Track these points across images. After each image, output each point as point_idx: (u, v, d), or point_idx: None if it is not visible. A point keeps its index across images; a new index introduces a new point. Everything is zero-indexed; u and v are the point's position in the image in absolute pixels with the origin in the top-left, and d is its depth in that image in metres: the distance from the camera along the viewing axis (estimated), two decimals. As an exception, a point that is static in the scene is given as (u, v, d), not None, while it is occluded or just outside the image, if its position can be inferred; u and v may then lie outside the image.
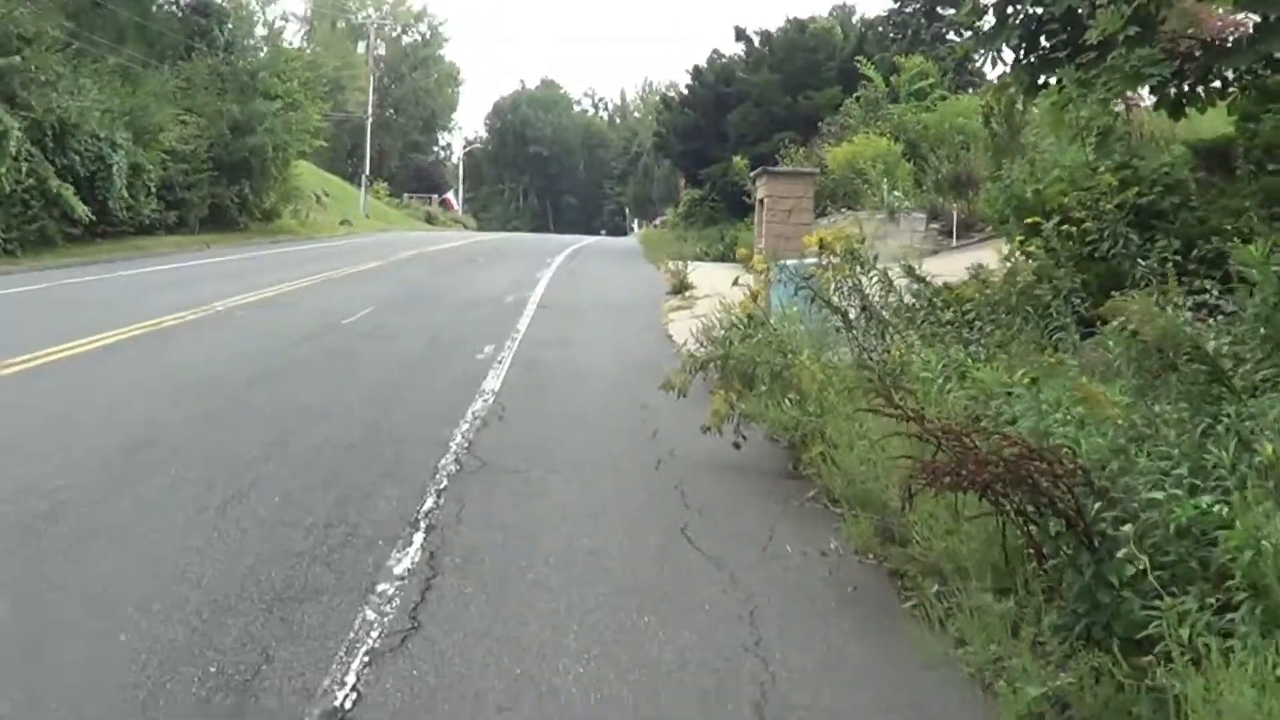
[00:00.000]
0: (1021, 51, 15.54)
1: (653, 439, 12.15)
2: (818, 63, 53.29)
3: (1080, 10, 13.37)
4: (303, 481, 10.05)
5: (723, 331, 14.55)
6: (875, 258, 11.61)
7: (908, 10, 66.99)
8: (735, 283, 14.80)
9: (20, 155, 35.87)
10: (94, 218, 40.29)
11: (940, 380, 8.89)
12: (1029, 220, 11.57)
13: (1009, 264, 12.19)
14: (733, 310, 15.11)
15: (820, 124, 44.32)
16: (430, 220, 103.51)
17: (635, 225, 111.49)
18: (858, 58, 47.66)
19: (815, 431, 9.98)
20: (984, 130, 34.76)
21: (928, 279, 11.96)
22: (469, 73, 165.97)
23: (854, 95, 44.56)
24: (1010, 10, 15.32)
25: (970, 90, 49.92)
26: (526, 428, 12.91)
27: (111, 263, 37.45)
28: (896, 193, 32.12)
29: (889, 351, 10.39)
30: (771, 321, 12.32)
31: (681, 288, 29.11)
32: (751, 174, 27.28)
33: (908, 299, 11.80)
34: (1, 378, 14.52)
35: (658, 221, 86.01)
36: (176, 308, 22.46)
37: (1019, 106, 33.82)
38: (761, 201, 21.36)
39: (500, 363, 17.49)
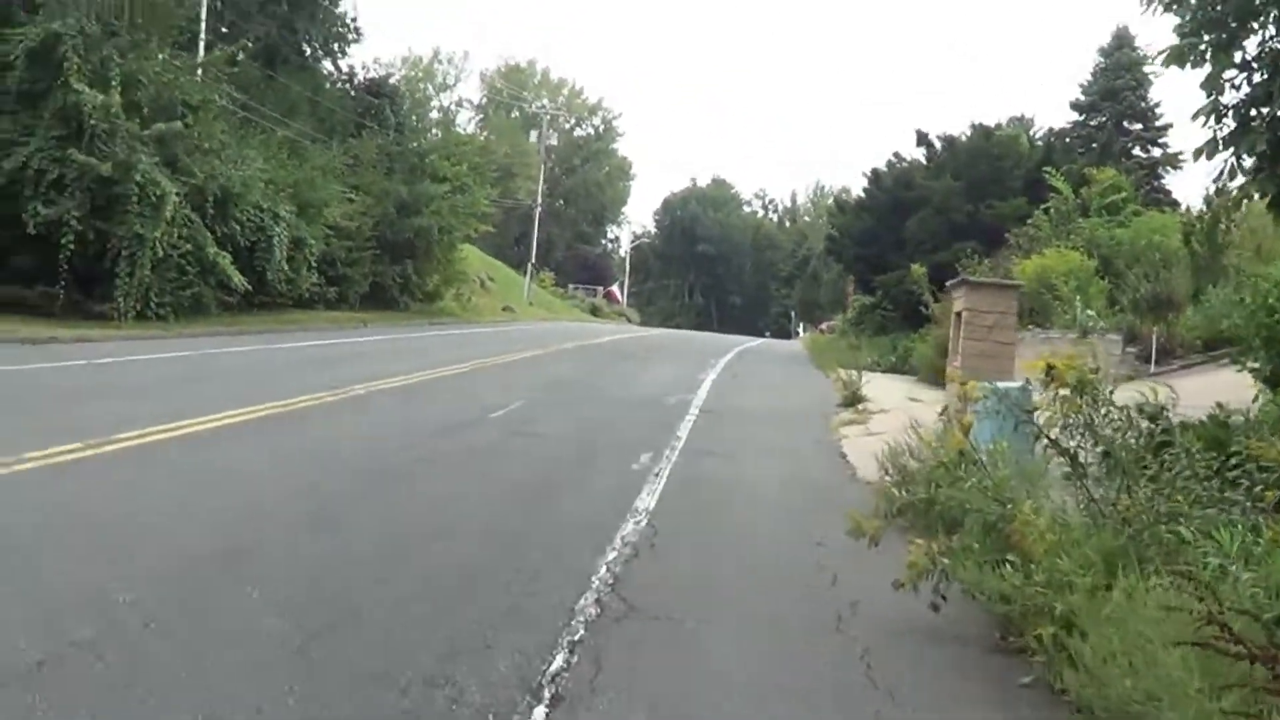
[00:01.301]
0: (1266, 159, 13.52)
1: (831, 587, 10.12)
2: (1002, 171, 51.05)
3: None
4: (410, 616, 8.34)
5: (916, 462, 12.56)
6: (1112, 393, 9.49)
7: (1092, 123, 65.05)
8: (943, 412, 12.73)
9: (177, 221, 35.25)
10: (250, 288, 39.77)
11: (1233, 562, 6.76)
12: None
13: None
14: (931, 438, 13.06)
15: (1007, 234, 42.05)
16: (594, 312, 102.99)
17: (801, 329, 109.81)
18: (1046, 168, 45.42)
19: (1044, 607, 7.87)
20: (1183, 249, 32.64)
21: (1173, 420, 9.86)
22: (640, 166, 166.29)
23: (1042, 206, 42.28)
24: (1257, 112, 13.33)
25: (1163, 207, 47.68)
26: (682, 561, 11.08)
27: (263, 334, 36.83)
28: (1090, 312, 29.85)
29: (1147, 512, 8.25)
30: (981, 457, 10.10)
31: (854, 400, 27.08)
32: (948, 283, 25.26)
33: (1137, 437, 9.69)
34: (103, 455, 13.12)
35: (825, 326, 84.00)
36: (314, 388, 21.17)
37: (1224, 225, 31.86)
38: (959, 315, 19.30)
39: (657, 476, 15.61)
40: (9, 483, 11.34)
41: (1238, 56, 13.36)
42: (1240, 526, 7.25)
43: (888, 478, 13.70)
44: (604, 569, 10.22)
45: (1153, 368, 26.29)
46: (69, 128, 33.48)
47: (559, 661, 7.60)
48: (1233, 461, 8.73)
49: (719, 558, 11.44)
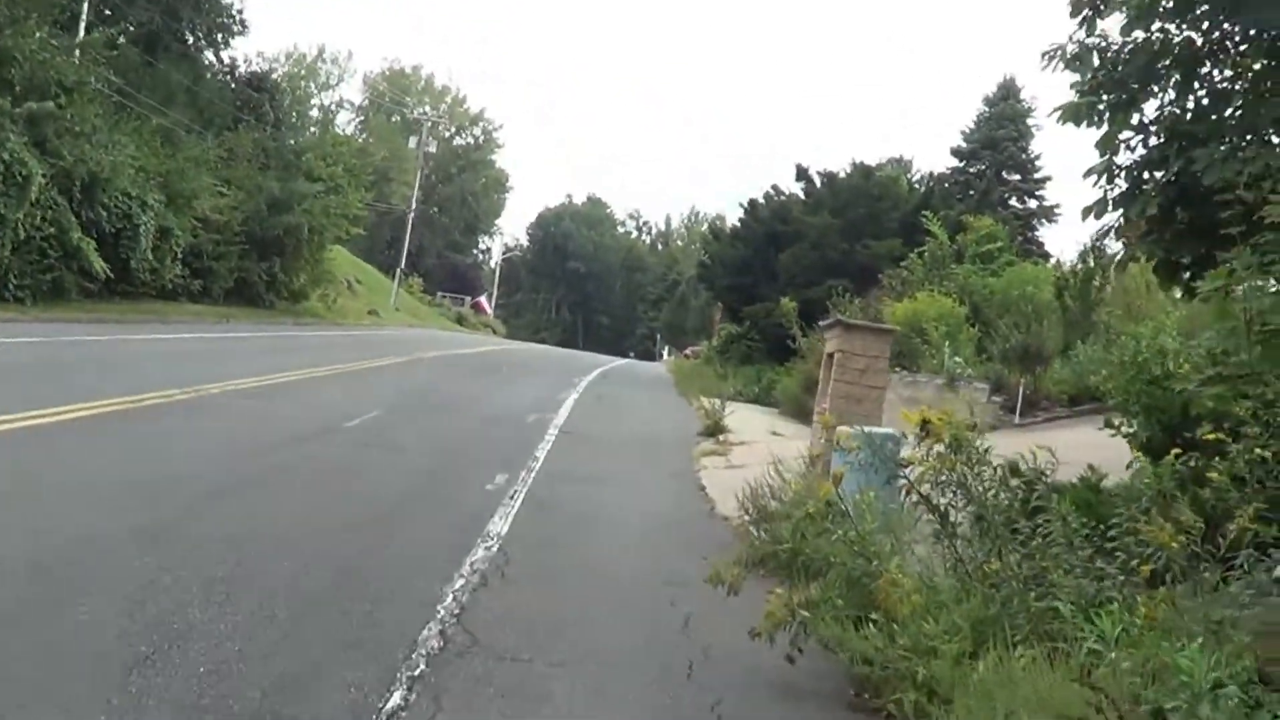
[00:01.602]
0: (1155, 225, 13.60)
1: (684, 630, 9.83)
2: (880, 211, 51.27)
3: (1243, 182, 11.28)
4: (242, 642, 7.86)
5: (776, 503, 12.49)
6: (987, 451, 9.38)
7: (972, 170, 65.93)
8: (812, 459, 12.61)
9: (41, 203, 34.37)
10: (113, 275, 39.06)
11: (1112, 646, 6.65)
12: (1209, 435, 9.27)
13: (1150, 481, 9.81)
14: (795, 482, 13.00)
15: (880, 275, 42.27)
16: (460, 321, 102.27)
17: (666, 352, 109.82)
18: (924, 212, 45.74)
19: (907, 671, 7.77)
20: (1055, 302, 33.04)
21: (1046, 482, 9.78)
22: (517, 178, 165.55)
23: (917, 250, 42.56)
24: (1150, 175, 13.42)
25: (1036, 259, 48.31)
26: (532, 594, 10.68)
27: (121, 324, 36.14)
28: (958, 359, 30.04)
29: (1017, 578, 8.17)
30: (848, 508, 9.95)
31: (716, 430, 26.96)
32: (821, 322, 25.15)
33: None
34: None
35: (689, 351, 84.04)
36: (166, 384, 20.39)
37: (1097, 282, 32.27)
38: (830, 355, 19.19)
39: (512, 498, 15.23)
40: None
41: (1135, 119, 13.39)
42: (1117, 606, 7.16)
43: (746, 516, 13.63)
44: (450, 598, 9.85)
45: (1017, 418, 26.43)
46: (-67, 103, 32.50)
47: (396, 698, 7.24)
48: (1110, 532, 8.64)
49: (571, 592, 11.11)
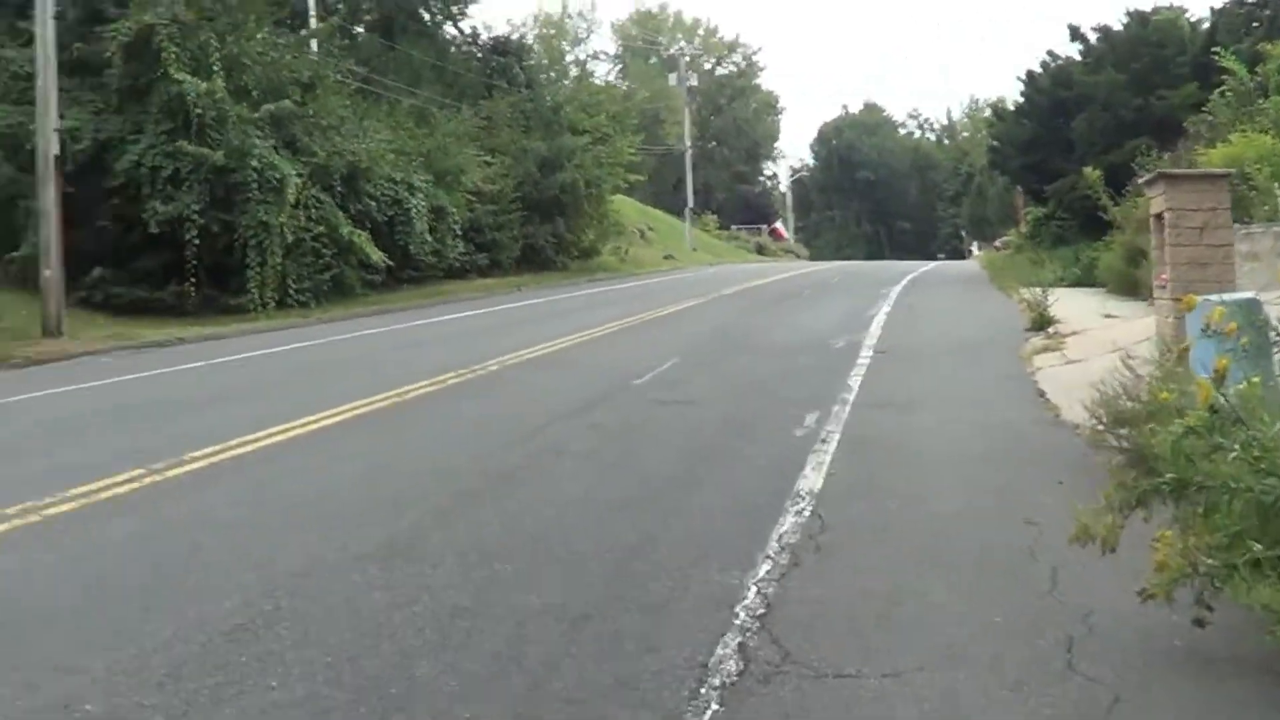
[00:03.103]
0: None
1: (1052, 592, 7.57)
2: (1165, 59, 47.31)
3: None
4: (478, 686, 6.13)
5: (1132, 402, 10.06)
6: None
7: (1253, -4, 60.69)
8: (1175, 352, 9.96)
9: (304, 203, 33.65)
10: (392, 264, 38.56)
11: None
12: None
13: None
14: (1154, 380, 10.51)
15: (1185, 125, 38.64)
16: (760, 251, 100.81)
17: (975, 248, 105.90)
18: (1213, 50, 41.77)
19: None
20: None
21: None
22: (788, 99, 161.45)
23: (1217, 91, 38.76)
24: None
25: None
26: (855, 570, 8.43)
27: (405, 311, 35.19)
28: (1292, 202, 26.63)
29: None
30: (1227, 403, 7.25)
31: (1044, 322, 24.35)
32: (1140, 180, 22.33)
33: None
34: (147, 488, 10.97)
35: (999, 243, 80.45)
36: (440, 368, 19.14)
37: None
38: (1159, 217, 16.43)
39: (824, 442, 13.07)
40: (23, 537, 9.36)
41: None
42: None
43: (1099, 425, 11.16)
44: (752, 591, 7.77)
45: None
46: (176, 120, 32.24)
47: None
48: None
49: (902, 559, 8.70)
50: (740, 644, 6.78)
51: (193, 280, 32.38)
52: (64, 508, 10.12)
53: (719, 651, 6.65)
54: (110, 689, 6.20)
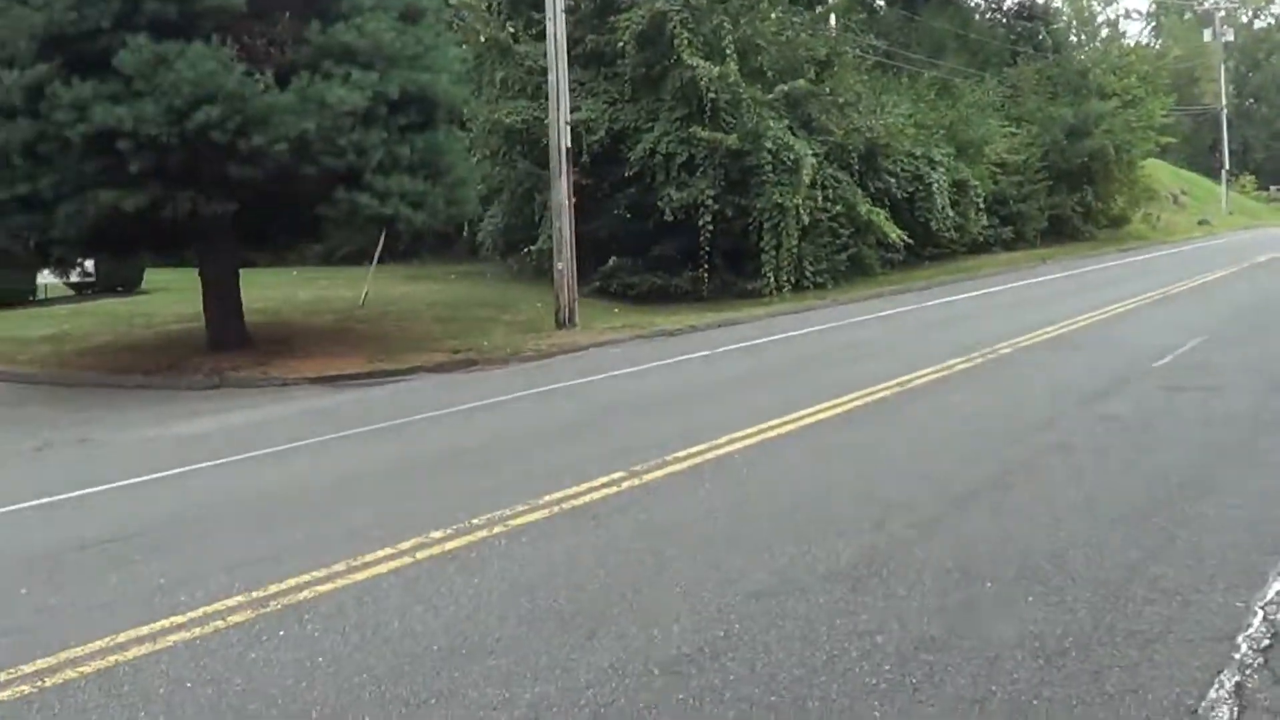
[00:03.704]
0: None
1: None
2: None
3: None
4: None
5: None
6: None
7: None
8: None
9: (821, 183, 33.38)
10: (911, 241, 37.70)
11: None
12: None
13: None
14: None
15: None
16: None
17: None
18: None
19: None
20: None
21: None
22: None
23: None
24: None
25: None
26: None
27: (925, 290, 34.60)
28: None
29: None
30: None
31: None
32: None
33: None
34: (623, 493, 10.68)
35: None
36: (950, 352, 18.64)
37: None
38: None
39: (1367, 441, 11.60)
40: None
41: None
42: None
43: None
44: (1258, 618, 6.76)
45: None
46: (690, 106, 32.42)
47: None
48: None
49: None
50: (1237, 685, 5.86)
51: (707, 266, 32.46)
52: (525, 518, 9.92)
53: (1211, 694, 5.75)
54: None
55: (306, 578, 8.41)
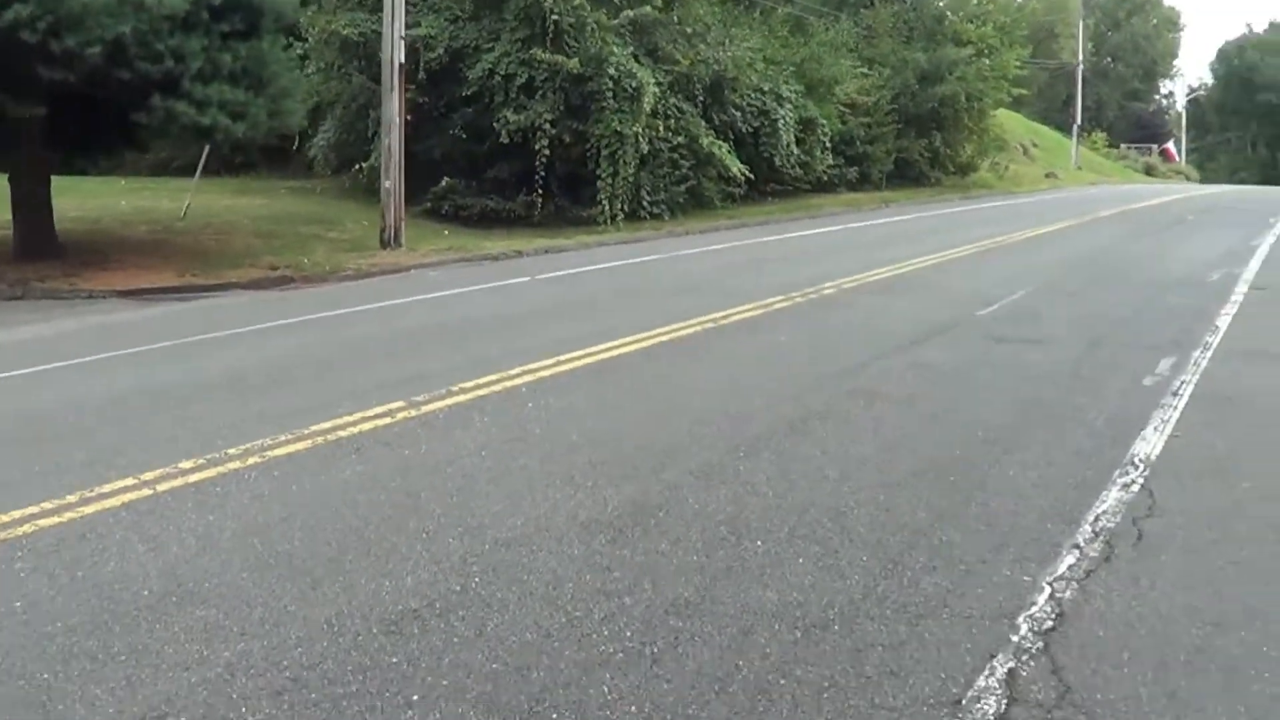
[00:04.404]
0: None
1: None
2: None
3: None
4: None
5: None
6: None
7: None
8: None
9: (663, 113, 32.70)
10: (753, 176, 37.20)
11: None
12: None
13: None
14: None
15: None
16: (1149, 172, 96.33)
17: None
18: None
19: None
20: None
21: None
22: (1190, 16, 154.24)
23: None
24: None
25: None
26: (1181, 574, 6.76)
27: (762, 225, 34.41)
28: None
29: None
30: None
31: None
32: None
33: None
34: (399, 423, 10.08)
35: None
36: (773, 290, 18.21)
37: None
38: None
39: (1175, 395, 11.38)
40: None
41: None
42: None
43: None
44: (1044, 595, 6.34)
45: None
46: (533, 27, 31.57)
47: None
48: None
49: (1248, 566, 6.96)
50: (1010, 672, 5.40)
51: (541, 191, 31.77)
52: (286, 449, 9.32)
53: (980, 682, 5.29)
54: (214, 691, 5.26)
55: (33, 509, 7.72)
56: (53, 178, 23.49)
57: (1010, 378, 12.51)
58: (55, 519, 7.57)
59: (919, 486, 8.39)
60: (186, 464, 8.73)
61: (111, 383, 12.60)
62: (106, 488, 8.17)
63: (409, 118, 26.80)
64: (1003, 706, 5.08)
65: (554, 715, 4.98)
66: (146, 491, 8.12)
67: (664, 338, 14.44)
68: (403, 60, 26.18)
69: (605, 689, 5.22)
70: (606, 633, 5.80)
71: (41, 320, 17.43)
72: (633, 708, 5.04)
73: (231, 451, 9.06)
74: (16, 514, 7.63)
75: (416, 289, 20.31)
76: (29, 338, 16.05)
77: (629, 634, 5.78)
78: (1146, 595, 6.40)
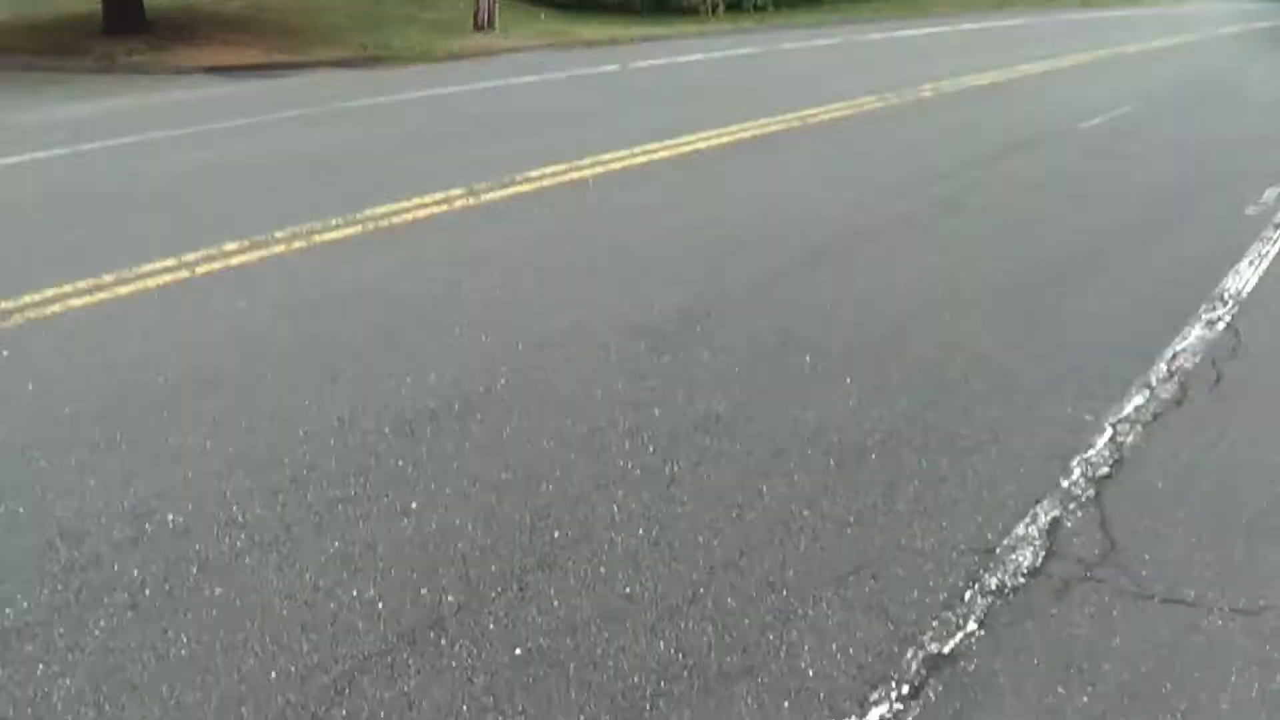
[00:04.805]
0: None
1: None
2: None
3: None
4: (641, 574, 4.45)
5: None
6: None
7: None
8: None
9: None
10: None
11: None
12: None
13: None
14: None
15: None
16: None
17: None
18: None
19: None
20: None
21: None
22: None
23: None
24: None
25: None
26: (1257, 427, 6.11)
27: (868, 22, 33.54)
28: None
29: None
30: None
31: None
32: None
33: None
34: (452, 212, 9.76)
35: None
36: (866, 89, 17.61)
37: None
38: None
39: (1278, 228, 10.47)
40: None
41: None
42: None
43: None
44: (1105, 436, 5.82)
45: None
46: None
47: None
48: None
49: None
50: (1054, 521, 4.94)
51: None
52: (335, 234, 9.06)
53: (1018, 530, 4.86)
54: (207, 488, 5.03)
55: (67, 288, 7.56)
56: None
57: (1103, 196, 11.81)
58: (87, 299, 7.41)
59: (989, 306, 7.91)
60: (230, 245, 8.53)
61: (178, 160, 12.39)
62: (146, 268, 7.99)
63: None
64: (1039, 560, 4.65)
65: (555, 533, 4.68)
66: (184, 274, 7.92)
67: (747, 134, 13.93)
68: None
69: (615, 508, 4.91)
70: (628, 446, 5.48)
71: (124, 94, 17.23)
72: (640, 530, 4.72)
73: (278, 234, 8.85)
74: (50, 292, 7.48)
75: (503, 73, 19.89)
76: (104, 111, 15.83)
77: (652, 449, 5.46)
78: (1216, 446, 5.85)
